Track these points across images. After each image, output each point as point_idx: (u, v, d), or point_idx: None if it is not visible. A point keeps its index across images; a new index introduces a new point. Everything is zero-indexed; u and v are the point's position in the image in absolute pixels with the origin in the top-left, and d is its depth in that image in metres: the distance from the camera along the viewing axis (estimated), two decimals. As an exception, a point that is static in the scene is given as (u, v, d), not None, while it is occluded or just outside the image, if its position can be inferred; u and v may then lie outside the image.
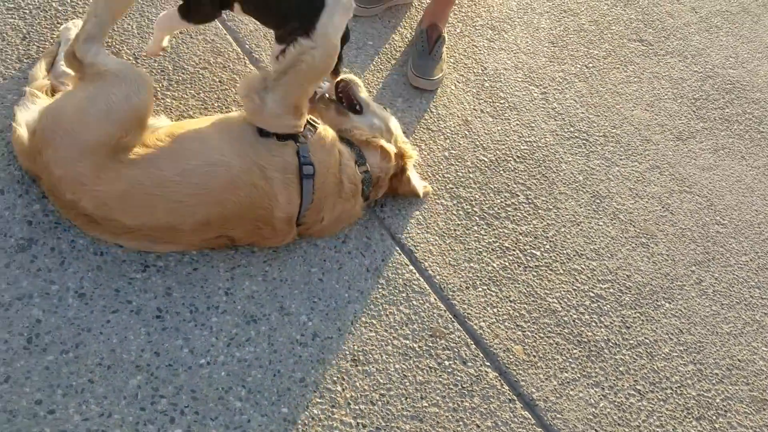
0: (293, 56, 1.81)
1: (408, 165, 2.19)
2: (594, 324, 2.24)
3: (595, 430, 2.02)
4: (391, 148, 2.13)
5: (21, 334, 1.65)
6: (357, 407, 1.83)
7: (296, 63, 1.81)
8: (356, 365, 1.90)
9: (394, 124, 2.23)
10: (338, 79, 2.13)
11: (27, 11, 2.22)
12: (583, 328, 2.22)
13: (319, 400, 1.80)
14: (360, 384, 1.87)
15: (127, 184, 1.71)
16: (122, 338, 1.73)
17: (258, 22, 2.11)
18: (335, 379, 1.86)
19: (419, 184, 2.23)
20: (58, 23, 2.21)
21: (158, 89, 2.20)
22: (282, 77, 1.83)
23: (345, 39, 1.90)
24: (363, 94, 2.24)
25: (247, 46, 2.46)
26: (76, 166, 1.69)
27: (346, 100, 2.18)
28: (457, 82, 2.72)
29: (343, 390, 1.84)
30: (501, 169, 2.52)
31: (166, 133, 1.82)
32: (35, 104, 1.83)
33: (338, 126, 2.11)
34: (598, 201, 2.58)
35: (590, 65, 3.04)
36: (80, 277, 1.78)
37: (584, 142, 2.75)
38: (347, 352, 1.91)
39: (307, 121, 1.96)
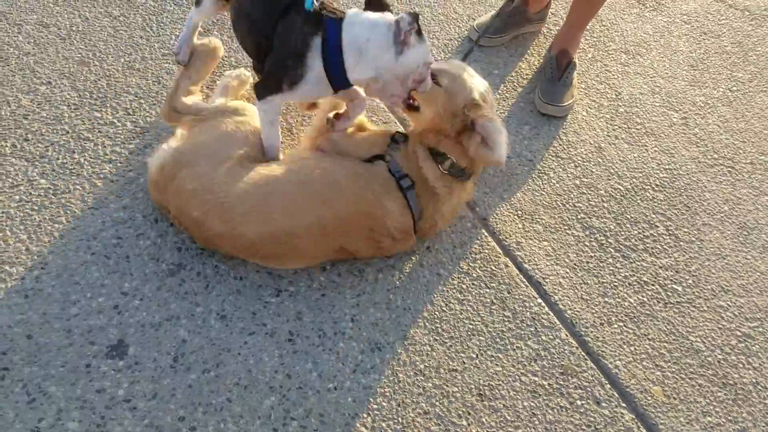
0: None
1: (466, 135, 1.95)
2: (741, 365, 2.05)
3: (749, 486, 1.84)
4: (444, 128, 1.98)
5: (168, 353, 1.78)
6: (483, 443, 1.79)
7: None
8: (482, 400, 1.85)
9: (447, 94, 1.97)
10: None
11: (180, 55, 2.44)
12: (728, 370, 2.04)
13: (444, 433, 1.78)
14: (486, 420, 1.82)
15: (248, 184, 1.83)
16: (258, 359, 1.81)
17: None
18: (460, 413, 1.82)
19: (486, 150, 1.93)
20: (206, 65, 2.41)
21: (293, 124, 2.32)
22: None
23: None
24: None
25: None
26: (210, 176, 1.82)
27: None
28: (589, 108, 2.64)
29: (469, 425, 1.81)
30: (638, 198, 2.39)
31: (288, 155, 2.00)
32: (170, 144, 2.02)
33: (416, 130, 2.09)
34: (746, 233, 2.38)
35: (734, 89, 2.83)
36: (222, 300, 1.89)
37: (729, 169, 2.56)
38: (472, 386, 1.87)
39: (392, 138, 2.02)
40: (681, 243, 2.30)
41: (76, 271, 1.86)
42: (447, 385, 1.86)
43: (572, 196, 2.36)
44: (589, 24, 2.71)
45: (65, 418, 1.63)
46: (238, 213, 1.81)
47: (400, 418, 1.78)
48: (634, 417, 1.90)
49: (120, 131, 2.18)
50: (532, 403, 1.87)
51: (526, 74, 2.70)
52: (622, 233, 2.29)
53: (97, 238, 1.94)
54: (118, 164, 2.10)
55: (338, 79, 1.80)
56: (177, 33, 2.51)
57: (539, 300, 2.07)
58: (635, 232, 2.30)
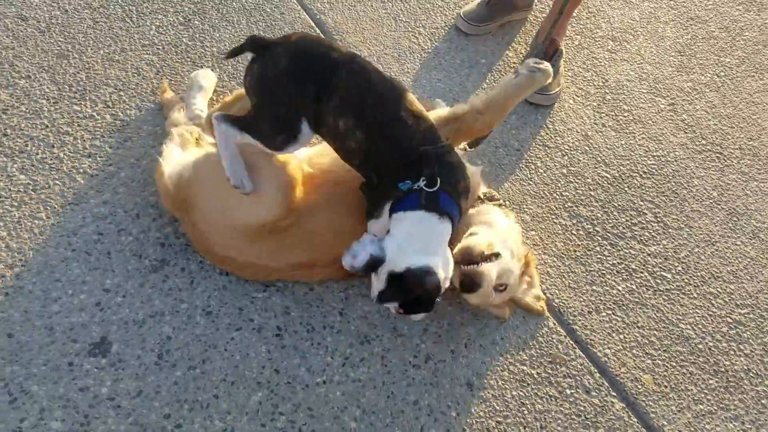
0: None
1: None
2: (732, 352, 2.05)
3: (739, 472, 1.84)
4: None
5: (153, 350, 1.75)
6: (473, 434, 1.78)
7: None
8: (471, 390, 1.84)
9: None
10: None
11: (160, 47, 2.39)
12: (719, 357, 2.03)
13: (433, 425, 1.77)
14: (475, 410, 1.81)
15: (278, 246, 1.81)
16: (245, 355, 1.79)
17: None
18: (449, 403, 1.81)
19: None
20: (188, 57, 2.37)
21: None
22: None
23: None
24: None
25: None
26: (228, 237, 1.80)
27: None
28: (576, 95, 2.62)
29: (458, 415, 1.80)
30: (626, 185, 2.38)
31: (313, 186, 1.86)
32: (182, 149, 1.93)
33: None
34: (735, 219, 2.37)
35: (722, 74, 2.82)
36: (207, 296, 1.87)
37: (718, 155, 2.55)
38: (461, 377, 1.86)
39: None
40: (670, 230, 2.30)
41: (57, 268, 1.83)
42: (436, 376, 1.85)
43: (559, 185, 2.34)
44: (576, 11, 2.69)
45: (48, 418, 1.60)
46: (262, 259, 1.83)
47: (389, 410, 1.77)
48: (624, 406, 1.89)
49: (99, 124, 2.14)
50: (521, 393, 1.86)
51: (514, 63, 2.68)
52: (610, 221, 2.28)
53: (77, 234, 1.90)
54: (98, 158, 2.07)
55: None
56: (157, 23, 2.47)
57: (528, 289, 2.06)
58: (623, 219, 2.29)
